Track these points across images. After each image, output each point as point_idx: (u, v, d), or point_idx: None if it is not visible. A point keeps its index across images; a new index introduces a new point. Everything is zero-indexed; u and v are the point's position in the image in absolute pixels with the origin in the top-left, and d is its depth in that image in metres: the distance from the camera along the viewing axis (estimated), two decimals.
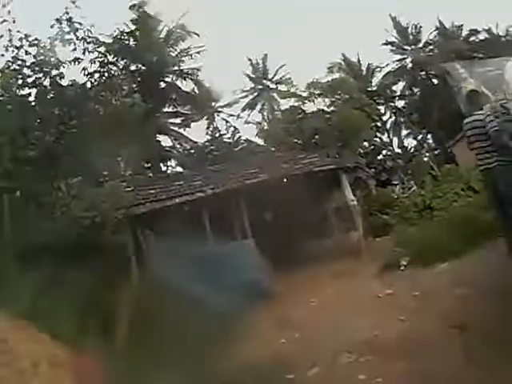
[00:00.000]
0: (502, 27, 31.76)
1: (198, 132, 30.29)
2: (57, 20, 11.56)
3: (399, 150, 34.62)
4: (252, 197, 12.76)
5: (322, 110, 22.23)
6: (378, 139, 25.03)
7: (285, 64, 34.42)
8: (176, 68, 25.74)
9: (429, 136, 35.45)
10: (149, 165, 25.30)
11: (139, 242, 11.23)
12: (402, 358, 4.66)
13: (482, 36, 33.28)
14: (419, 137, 34.77)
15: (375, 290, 8.16)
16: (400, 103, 35.36)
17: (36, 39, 11.38)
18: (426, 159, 31.62)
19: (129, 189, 12.57)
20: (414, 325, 5.70)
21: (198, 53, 25.51)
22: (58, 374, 4.87)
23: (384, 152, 26.17)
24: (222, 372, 5.67)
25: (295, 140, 20.13)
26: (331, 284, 10.06)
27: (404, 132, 35.84)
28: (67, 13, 11.47)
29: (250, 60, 35.22)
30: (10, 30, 10.94)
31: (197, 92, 28.56)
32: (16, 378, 4.34)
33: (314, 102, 22.53)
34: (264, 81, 35.28)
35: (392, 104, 35.18)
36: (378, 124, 27.68)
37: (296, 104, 23.48)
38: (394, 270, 9.59)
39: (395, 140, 34.95)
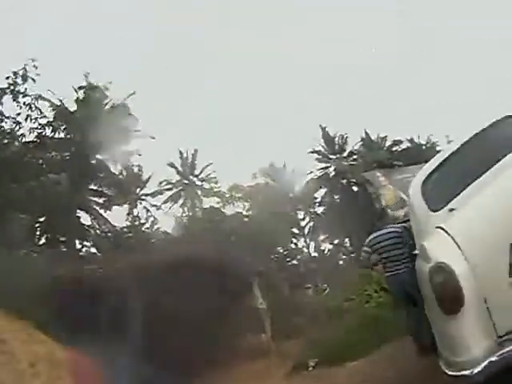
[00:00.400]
0: (423, 136, 34.55)
1: (118, 216, 29.72)
2: (14, 73, 11.56)
3: (316, 254, 35.80)
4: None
5: (241, 212, 23.19)
6: (293, 245, 26.09)
7: (211, 163, 35.68)
8: (110, 148, 25.81)
9: (346, 240, 36.97)
10: (64, 239, 24.44)
11: None
12: None
13: (404, 145, 35.36)
14: (336, 241, 36.24)
15: None
16: (319, 209, 36.93)
17: None
18: (341, 262, 32.90)
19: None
20: None
21: (133, 136, 25.82)
22: (56, 374, 4.97)
23: (298, 257, 27.16)
24: None
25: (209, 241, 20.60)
26: None
27: (322, 237, 37.14)
28: (25, 69, 11.54)
29: (180, 153, 36.11)
30: None
31: (124, 175, 28.67)
32: (15, 378, 4.46)
33: (233, 204, 23.63)
34: (190, 176, 36.16)
35: (312, 210, 36.76)
36: (295, 230, 28.91)
37: (216, 205, 24.52)
38: (302, 371, 9.65)
39: (312, 244, 36.19)
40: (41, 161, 21.00)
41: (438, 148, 32.40)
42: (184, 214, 33.28)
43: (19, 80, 11.80)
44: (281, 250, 23.70)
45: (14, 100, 11.83)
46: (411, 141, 34.64)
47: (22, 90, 11.85)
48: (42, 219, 21.64)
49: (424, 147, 33.68)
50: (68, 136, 23.59)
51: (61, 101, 23.44)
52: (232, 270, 14.70)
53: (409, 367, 6.59)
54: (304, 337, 13.74)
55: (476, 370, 3.45)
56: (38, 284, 9.46)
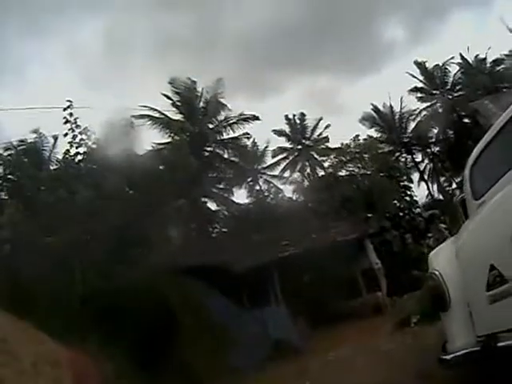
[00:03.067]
0: None
1: (242, 195, 32.41)
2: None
3: (441, 196, 35.31)
4: (284, 268, 14.92)
5: (352, 174, 24.19)
6: (407, 198, 26.35)
7: (321, 119, 36.42)
8: (217, 138, 28.43)
9: None
10: (195, 227, 27.86)
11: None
12: None
13: (505, 64, 32.92)
14: (458, 179, 35.28)
15: (380, 345, 9.91)
16: (436, 149, 35.97)
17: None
18: None
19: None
20: (394, 375, 7.48)
21: (236, 123, 28.13)
22: (58, 375, 4.84)
23: (414, 210, 27.40)
24: None
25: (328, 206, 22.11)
26: (351, 341, 11.85)
27: (443, 178, 36.39)
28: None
29: (287, 119, 37.41)
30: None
31: (238, 158, 31.03)
32: (16, 378, 4.32)
33: (343, 167, 24.68)
34: (303, 140, 37.33)
35: (428, 151, 36.04)
36: (408, 183, 28.95)
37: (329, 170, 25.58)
38: (405, 327, 11.28)
39: (435, 187, 35.71)
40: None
41: None
42: (304, 179, 34.60)
43: None
44: (396, 205, 24.30)
45: None
46: (511, 55, 32.01)
47: None
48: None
49: None
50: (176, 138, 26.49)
51: (161, 112, 26.33)
52: (346, 235, 16.72)
53: None
54: (418, 291, 15.25)
55: (451, 356, 4.30)
56: None
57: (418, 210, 28.12)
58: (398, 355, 8.91)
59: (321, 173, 30.28)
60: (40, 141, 22.31)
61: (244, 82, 50.25)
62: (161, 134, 26.89)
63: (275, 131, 36.82)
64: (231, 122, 28.25)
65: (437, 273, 4.59)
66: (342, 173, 24.98)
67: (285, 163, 36.66)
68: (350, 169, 24.73)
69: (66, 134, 14.58)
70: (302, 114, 37.09)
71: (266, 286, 14.92)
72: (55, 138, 21.34)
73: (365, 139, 29.23)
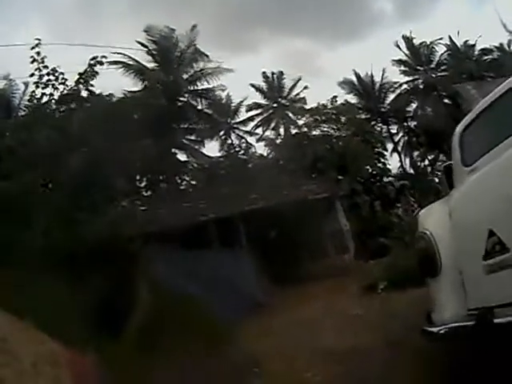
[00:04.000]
0: None
1: (213, 148, 32.01)
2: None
3: (411, 171, 35.68)
4: (252, 222, 14.50)
5: (326, 135, 23.71)
6: (380, 165, 26.18)
7: (299, 79, 35.71)
8: (191, 88, 27.51)
9: (441, 156, 36.26)
10: (164, 177, 27.27)
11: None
12: (342, 363, 6.24)
13: (493, 55, 33.19)
14: (430, 157, 35.73)
15: (348, 310, 9.69)
16: (412, 123, 36.24)
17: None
18: (436, 180, 32.60)
19: (143, 208, 14.33)
20: (363, 340, 7.22)
21: (212, 74, 27.19)
22: (58, 375, 4.89)
23: (386, 178, 27.37)
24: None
25: (299, 164, 21.69)
26: (316, 300, 11.63)
27: (416, 152, 36.72)
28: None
29: (265, 76, 36.65)
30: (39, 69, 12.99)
31: (212, 110, 30.33)
32: (16, 379, 4.32)
33: (318, 127, 24.06)
34: (279, 99, 36.72)
35: (405, 124, 36.22)
36: (382, 150, 28.89)
37: (303, 129, 24.95)
38: (372, 293, 11.11)
39: (407, 160, 36.00)
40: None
41: None
42: (276, 137, 34.15)
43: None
44: (368, 170, 24.04)
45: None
46: (500, 48, 32.29)
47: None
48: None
49: None
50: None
51: (135, 59, 25.26)
52: (316, 193, 16.39)
53: None
54: (385, 258, 15.13)
55: (438, 329, 3.86)
56: None
57: (390, 178, 28.22)
58: (366, 320, 8.72)
59: (294, 131, 29.57)
60: (9, 88, 21.22)
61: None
62: (134, 81, 25.77)
63: (252, 85, 36.00)
64: (206, 72, 27.28)
65: (428, 233, 4.20)
66: (317, 132, 24.50)
67: (258, 119, 36.06)
68: (325, 129, 24.21)
69: (32, 75, 13.50)
70: (281, 73, 36.56)
71: (232, 239, 14.53)
72: (26, 84, 19.99)
73: (343, 104, 28.74)
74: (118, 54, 25.25)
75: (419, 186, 30.02)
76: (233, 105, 34.49)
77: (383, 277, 11.59)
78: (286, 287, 13.32)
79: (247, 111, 35.56)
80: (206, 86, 27.88)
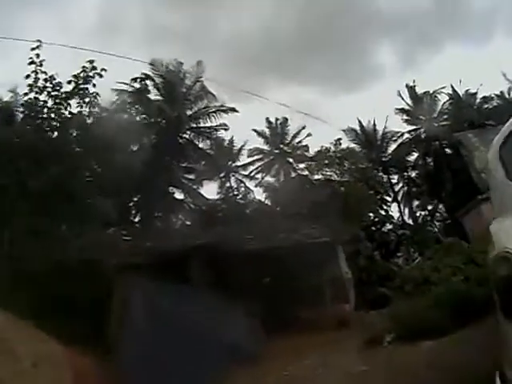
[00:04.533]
0: None
1: (211, 190, 30.81)
2: (74, 76, 12.48)
3: (410, 221, 34.41)
4: (244, 264, 12.85)
5: (328, 179, 22.37)
6: (382, 211, 24.69)
7: (304, 127, 34.69)
8: (194, 125, 26.46)
9: (440, 206, 35.14)
10: (159, 214, 25.87)
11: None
12: None
13: (494, 103, 32.51)
14: (429, 207, 34.52)
15: (350, 366, 8.00)
16: (413, 173, 35.26)
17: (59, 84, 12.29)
18: (435, 230, 31.39)
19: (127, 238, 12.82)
20: None
21: (215, 112, 26.18)
22: (58, 374, 4.91)
23: (388, 225, 25.86)
24: None
25: (299, 209, 20.25)
26: (312, 354, 9.92)
27: (416, 202, 35.56)
28: (85, 71, 12.35)
29: (269, 122, 35.73)
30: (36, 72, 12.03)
31: (213, 149, 29.23)
32: (16, 378, 4.39)
33: (321, 170, 22.70)
34: (281, 145, 35.63)
35: (405, 174, 35.23)
36: (386, 197, 27.54)
37: (305, 173, 23.64)
38: (377, 345, 9.41)
39: (406, 210, 34.77)
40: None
41: None
42: (276, 183, 32.89)
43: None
44: (371, 217, 22.47)
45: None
46: (501, 96, 31.76)
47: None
48: (136, 198, 22.97)
49: None
50: (152, 120, 24.64)
51: (137, 88, 24.33)
52: (316, 238, 14.73)
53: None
54: (387, 308, 13.40)
55: None
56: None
57: (391, 226, 26.76)
58: (372, 378, 7.05)
59: (295, 174, 28.19)
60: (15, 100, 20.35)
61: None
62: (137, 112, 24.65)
63: (255, 130, 35.01)
64: (210, 111, 26.25)
65: None
66: (318, 176, 23.18)
67: (259, 164, 34.84)
68: (328, 173, 22.86)
69: (28, 76, 12.63)
70: (285, 119, 35.40)
71: (220, 281, 12.68)
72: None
73: (347, 148, 27.53)
74: (124, 83, 24.23)
75: (419, 236, 28.52)
76: (235, 148, 33.31)
77: (389, 328, 9.90)
78: (278, 337, 11.44)
79: (249, 156, 34.30)
80: (208, 124, 26.58)
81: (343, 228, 16.62)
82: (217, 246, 12.70)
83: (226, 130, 26.93)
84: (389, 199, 28.59)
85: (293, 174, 32.69)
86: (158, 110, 25.19)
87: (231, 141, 32.62)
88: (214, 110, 26.23)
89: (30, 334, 5.36)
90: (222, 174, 32.45)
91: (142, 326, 9.70)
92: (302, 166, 30.48)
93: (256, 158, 34.75)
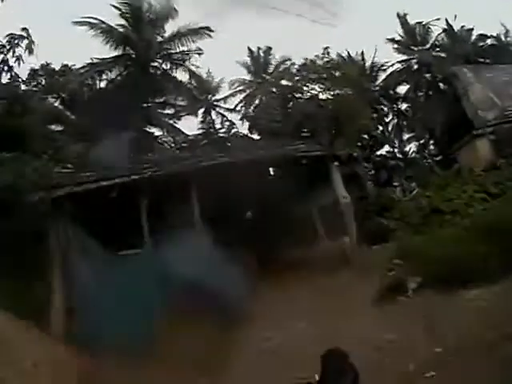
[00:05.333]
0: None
1: (191, 125, 27.29)
2: None
3: (399, 155, 31.38)
4: (210, 185, 9.30)
5: (316, 95, 18.61)
6: (379, 132, 21.05)
7: (289, 59, 30.47)
8: (165, 52, 22.47)
9: (431, 141, 32.12)
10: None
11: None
12: None
13: (490, 42, 29.63)
14: (421, 141, 31.42)
15: (373, 330, 4.88)
16: (403, 106, 31.82)
17: None
18: (427, 163, 28.65)
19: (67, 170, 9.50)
20: None
21: (188, 35, 22.06)
22: (58, 374, 4.66)
23: (386, 149, 22.46)
24: None
25: (283, 127, 16.60)
26: (307, 310, 6.75)
27: (406, 136, 32.37)
28: None
29: (250, 51, 31.53)
30: None
31: (192, 83, 25.45)
32: (17, 378, 4.13)
33: (307, 86, 18.73)
34: (264, 75, 31.50)
35: (395, 106, 31.78)
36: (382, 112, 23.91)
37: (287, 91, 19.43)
38: (397, 295, 6.34)
39: (396, 143, 31.66)
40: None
41: None
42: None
43: None
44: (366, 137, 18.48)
45: None
46: (497, 38, 28.15)
47: None
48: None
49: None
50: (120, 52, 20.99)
51: (104, 22, 20.39)
52: (305, 152, 11.28)
53: None
54: (395, 243, 10.32)
55: None
56: None
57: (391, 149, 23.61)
58: (408, 352, 3.97)
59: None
60: None
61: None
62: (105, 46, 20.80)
63: (237, 61, 30.92)
64: (182, 32, 22.06)
65: None
66: (304, 93, 19.18)
67: (242, 96, 30.91)
68: (315, 89, 18.93)
69: None
70: (268, 48, 31.15)
71: (188, 214, 9.21)
72: None
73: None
74: (88, 17, 20.15)
75: (413, 168, 25.56)
76: (214, 80, 29.41)
77: (411, 270, 6.81)
78: (266, 285, 8.30)
79: (230, 88, 30.39)
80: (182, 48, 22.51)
81: (336, 145, 13.02)
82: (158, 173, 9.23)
83: (199, 54, 22.71)
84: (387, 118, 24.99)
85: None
86: (125, 40, 21.24)
87: (210, 73, 28.68)
88: (185, 32, 22.04)
89: (31, 334, 5.08)
90: (202, 109, 28.73)
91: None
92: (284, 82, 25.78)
93: (238, 89, 30.77)
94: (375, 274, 7.70)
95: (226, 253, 8.05)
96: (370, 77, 30.89)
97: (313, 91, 17.94)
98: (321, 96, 17.82)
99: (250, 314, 6.90)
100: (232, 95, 29.86)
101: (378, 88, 30.72)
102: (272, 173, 10.95)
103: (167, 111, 25.55)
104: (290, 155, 10.41)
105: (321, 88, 17.85)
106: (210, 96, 29.35)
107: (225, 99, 29.63)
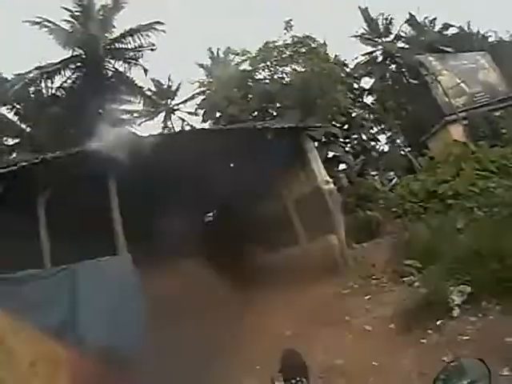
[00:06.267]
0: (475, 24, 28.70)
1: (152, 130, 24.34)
2: None
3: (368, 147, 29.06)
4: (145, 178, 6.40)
5: (280, 76, 15.65)
6: (355, 110, 18.25)
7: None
8: (115, 47, 19.50)
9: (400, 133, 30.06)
10: None
11: None
12: None
13: (454, 30, 27.77)
14: (391, 132, 29.26)
15: None
16: (369, 99, 29.52)
17: None
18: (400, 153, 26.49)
19: None
20: None
21: (139, 31, 19.15)
22: (56, 374, 4.38)
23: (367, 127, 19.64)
24: None
25: (242, 112, 13.54)
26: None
27: (375, 129, 30.14)
28: None
29: (211, 52, 28.55)
30: None
31: (151, 89, 22.72)
32: (15, 378, 3.94)
33: (268, 67, 15.67)
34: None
35: (361, 99, 29.48)
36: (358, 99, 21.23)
37: (247, 69, 16.23)
38: (435, 318, 3.54)
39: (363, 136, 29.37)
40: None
41: (490, 39, 25.71)
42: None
43: None
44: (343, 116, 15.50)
45: None
46: (460, 27, 26.95)
47: None
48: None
49: (474, 37, 26.47)
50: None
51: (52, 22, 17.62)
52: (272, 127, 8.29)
53: None
54: (398, 237, 7.51)
55: None
56: None
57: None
58: None
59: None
60: None
61: None
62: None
63: (198, 64, 27.94)
64: (133, 29, 19.19)
65: None
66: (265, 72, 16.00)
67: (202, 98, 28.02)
68: (278, 70, 15.79)
69: None
70: (228, 48, 28.29)
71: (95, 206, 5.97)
72: None
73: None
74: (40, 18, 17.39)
75: (386, 158, 23.29)
76: (171, 83, 26.52)
77: (444, 274, 4.04)
78: (225, 309, 5.33)
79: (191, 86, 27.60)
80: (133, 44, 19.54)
81: (308, 121, 10.12)
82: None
83: (152, 50, 19.81)
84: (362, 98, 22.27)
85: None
86: (73, 39, 18.42)
87: (169, 78, 26.12)
88: (136, 27, 19.12)
89: (28, 333, 4.40)
90: (161, 113, 25.87)
91: None
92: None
93: (198, 90, 27.82)
94: (380, 284, 4.91)
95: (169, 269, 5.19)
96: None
97: (275, 70, 15.21)
98: (286, 75, 15.21)
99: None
100: (192, 97, 26.84)
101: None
102: (232, 161, 7.97)
103: (124, 116, 22.51)
104: (252, 131, 7.41)
105: (283, 66, 15.14)
106: (168, 100, 26.44)
107: (184, 102, 26.60)
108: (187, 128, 24.76)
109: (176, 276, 6.09)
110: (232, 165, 7.59)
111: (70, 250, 5.23)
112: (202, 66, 27.76)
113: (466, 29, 27.96)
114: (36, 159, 5.70)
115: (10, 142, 18.32)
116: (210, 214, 10.16)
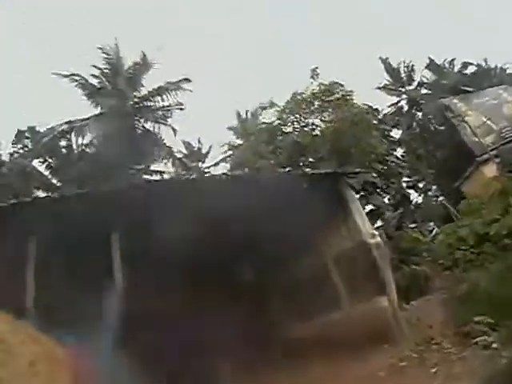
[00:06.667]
0: (492, 60, 26.90)
1: None
2: None
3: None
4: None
5: (309, 125, 15.00)
6: (393, 158, 16.94)
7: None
8: (143, 105, 19.70)
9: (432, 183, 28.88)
10: None
11: None
12: None
13: (473, 68, 27.67)
14: (422, 183, 28.09)
15: None
16: (399, 152, 28.53)
17: None
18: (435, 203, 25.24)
19: None
20: None
21: (167, 90, 19.36)
22: (55, 374, 4.34)
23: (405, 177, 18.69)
24: None
25: (272, 164, 12.86)
26: None
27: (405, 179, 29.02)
28: None
29: (238, 114, 28.75)
30: None
31: (182, 150, 22.82)
32: (14, 378, 3.91)
33: (297, 120, 15.04)
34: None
35: (393, 148, 28.58)
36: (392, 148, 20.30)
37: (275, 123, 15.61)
38: None
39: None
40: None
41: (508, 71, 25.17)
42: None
43: None
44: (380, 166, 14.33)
45: None
46: (478, 66, 26.72)
47: None
48: None
49: (493, 72, 26.20)
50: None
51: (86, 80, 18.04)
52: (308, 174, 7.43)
53: None
54: (446, 293, 6.38)
55: None
56: None
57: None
58: None
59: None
60: None
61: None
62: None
63: (229, 128, 28.16)
64: (161, 88, 19.41)
65: None
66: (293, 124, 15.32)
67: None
68: (308, 121, 15.16)
69: None
70: (257, 109, 28.46)
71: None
72: None
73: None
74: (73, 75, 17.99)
75: (422, 209, 22.16)
76: (200, 146, 26.71)
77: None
78: None
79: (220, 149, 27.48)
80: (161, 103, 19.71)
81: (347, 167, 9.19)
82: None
83: (181, 109, 19.85)
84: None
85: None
86: (103, 95, 18.73)
87: (199, 141, 26.13)
88: (164, 86, 19.33)
89: (28, 333, 4.47)
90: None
91: None
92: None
93: (229, 153, 27.76)
94: (444, 350, 3.87)
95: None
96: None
97: (304, 122, 14.64)
98: (316, 126, 14.57)
99: None
100: (223, 160, 26.70)
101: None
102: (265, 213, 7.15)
103: (154, 177, 22.21)
104: (286, 179, 6.58)
105: (312, 116, 14.59)
106: (200, 164, 26.41)
107: (215, 165, 26.43)
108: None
109: None
110: (265, 220, 6.70)
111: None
112: (230, 128, 28.04)
113: (483, 65, 27.22)
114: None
115: (41, 194, 17.98)
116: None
